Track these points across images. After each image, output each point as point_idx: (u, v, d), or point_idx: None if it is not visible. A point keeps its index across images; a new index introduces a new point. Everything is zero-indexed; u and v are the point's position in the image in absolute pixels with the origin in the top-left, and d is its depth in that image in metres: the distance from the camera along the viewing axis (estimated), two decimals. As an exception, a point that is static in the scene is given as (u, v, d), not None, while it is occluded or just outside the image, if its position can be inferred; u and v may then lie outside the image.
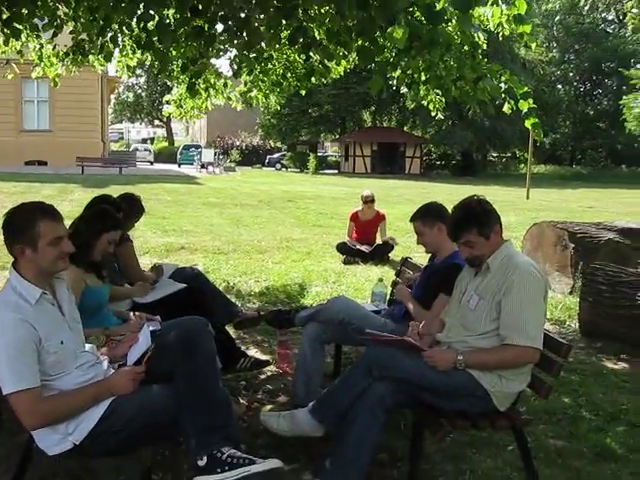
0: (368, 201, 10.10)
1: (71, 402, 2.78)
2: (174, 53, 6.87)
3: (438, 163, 55.85)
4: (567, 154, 61.06)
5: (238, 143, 58.66)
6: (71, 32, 6.74)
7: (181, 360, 2.92)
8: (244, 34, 5.16)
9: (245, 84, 8.36)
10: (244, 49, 5.86)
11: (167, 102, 9.08)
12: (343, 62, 7.50)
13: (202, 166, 41.89)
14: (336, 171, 51.46)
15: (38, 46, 7.51)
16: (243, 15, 5.10)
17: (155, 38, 4.94)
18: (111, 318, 3.87)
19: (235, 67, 7.26)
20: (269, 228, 13.62)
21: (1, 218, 2.93)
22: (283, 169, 51.43)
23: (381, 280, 4.82)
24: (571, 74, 58.46)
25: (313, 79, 7.90)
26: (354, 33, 4.86)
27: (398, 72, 6.65)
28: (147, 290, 4.55)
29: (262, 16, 4.93)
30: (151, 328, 3.74)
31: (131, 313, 4.01)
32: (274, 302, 7.18)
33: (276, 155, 55.66)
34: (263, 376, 5.06)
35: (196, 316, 3.86)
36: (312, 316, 4.15)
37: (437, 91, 6.91)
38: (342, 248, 10.00)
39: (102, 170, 32.88)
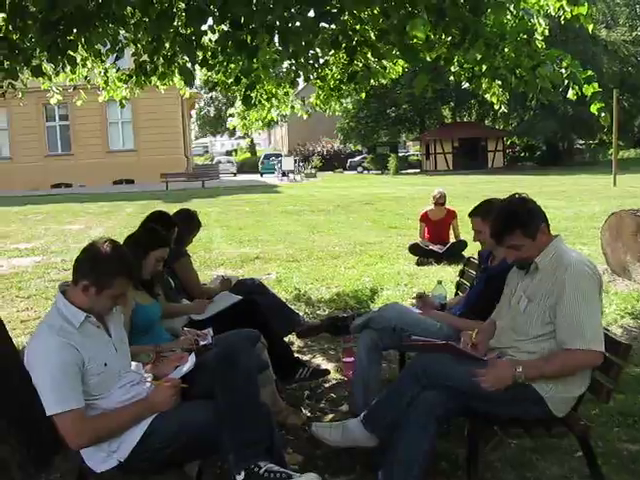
0: (439, 203, 9.93)
1: (113, 422, 2.83)
2: (233, 67, 6.91)
3: (522, 155, 54.43)
4: (659, 136, 58.25)
5: (319, 149, 58.97)
6: (133, 54, 6.89)
7: (220, 376, 2.93)
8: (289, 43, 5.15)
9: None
10: (292, 58, 5.85)
11: (231, 115, 9.18)
12: (400, 61, 7.39)
13: (283, 174, 42.31)
14: (418, 170, 50.98)
15: (103, 71, 7.73)
16: (289, 25, 5.10)
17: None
18: (164, 335, 3.91)
19: (292, 75, 7.29)
20: (344, 233, 13.59)
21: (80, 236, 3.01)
22: (365, 172, 51.32)
23: (440, 282, 4.68)
24: (659, 53, 55.76)
25: (372, 81, 7.84)
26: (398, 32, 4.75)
27: (455, 66, 6.52)
28: (204, 307, 4.56)
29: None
30: (202, 343, 3.77)
31: (185, 329, 4.03)
32: (344, 308, 7.12)
33: (357, 158, 55.60)
34: (327, 385, 5.02)
35: (248, 329, 3.88)
36: (366, 324, 4.06)
37: (498, 82, 6.71)
38: (414, 249, 9.85)
39: (186, 185, 33.69)
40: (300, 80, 7.40)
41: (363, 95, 8.28)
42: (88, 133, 36.07)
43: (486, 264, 4.15)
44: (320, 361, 5.54)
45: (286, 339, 5.76)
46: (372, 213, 17.56)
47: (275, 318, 5.03)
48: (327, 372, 4.91)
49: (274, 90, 8.24)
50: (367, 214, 17.32)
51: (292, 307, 7.16)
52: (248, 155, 68.91)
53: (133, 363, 3.16)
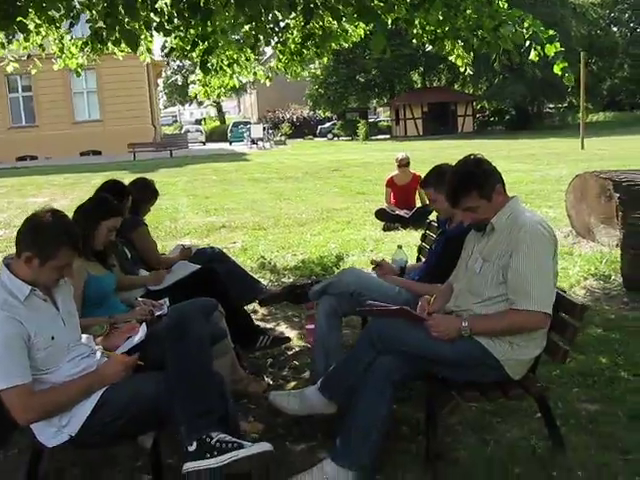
0: (402, 165, 9.86)
1: (62, 396, 2.76)
2: (192, 32, 6.74)
3: (492, 119, 54.48)
4: (627, 99, 58.60)
5: (289, 116, 58.46)
6: (88, 21, 6.68)
7: (170, 346, 2.86)
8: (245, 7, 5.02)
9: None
10: (249, 22, 5.72)
11: (192, 82, 9.00)
12: (361, 24, 7.27)
13: (252, 142, 41.91)
14: (388, 136, 50.86)
15: (58, 38, 7.50)
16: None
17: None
18: (119, 306, 3.82)
19: (252, 40, 7.12)
20: (311, 200, 13.51)
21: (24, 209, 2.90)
22: (335, 138, 51.07)
23: (400, 247, 4.64)
24: (626, 15, 55.96)
25: (334, 44, 7.72)
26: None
27: (417, 29, 6.43)
28: (162, 278, 4.46)
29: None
30: (157, 313, 3.71)
31: (139, 299, 3.95)
32: (309, 275, 7.07)
33: (327, 125, 55.23)
34: (291, 352, 4.99)
35: (205, 298, 3.81)
36: (324, 290, 4.01)
37: (461, 44, 6.62)
38: (381, 214, 9.81)
39: (154, 154, 33.24)
40: (262, 45, 7.26)
41: (325, 59, 8.17)
42: (52, 104, 35.32)
43: (444, 228, 4.11)
44: (283, 328, 5.51)
45: (249, 307, 5.72)
46: (340, 179, 17.49)
47: (236, 286, 4.96)
48: (288, 339, 4.87)
49: (235, 56, 8.08)
50: (335, 181, 17.25)
51: (257, 275, 7.12)
52: (217, 123, 68.07)
53: (84, 335, 3.09)
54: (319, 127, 55.62)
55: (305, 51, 7.74)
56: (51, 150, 34.83)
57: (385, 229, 9.52)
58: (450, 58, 7.10)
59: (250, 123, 50.25)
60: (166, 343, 2.86)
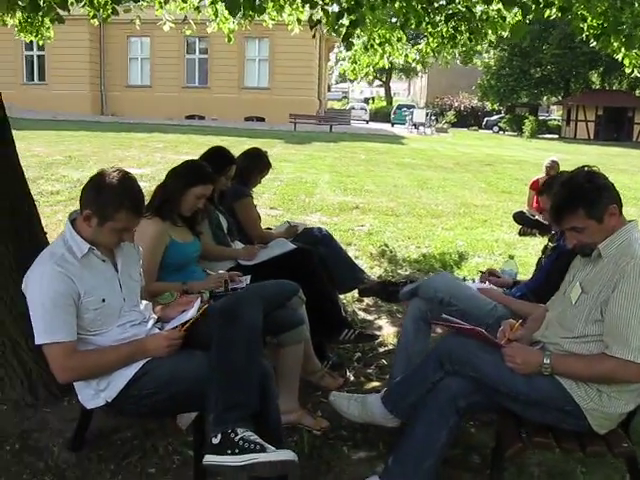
0: (550, 175, 9.18)
1: (103, 359, 2.69)
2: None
3: (676, 132, 50.26)
4: None
5: (456, 104, 57.16)
6: (243, -14, 6.64)
7: (219, 327, 2.70)
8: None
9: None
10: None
11: (342, 59, 8.84)
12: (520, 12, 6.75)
13: (414, 126, 41.42)
14: (556, 136, 48.39)
15: (213, 2, 7.57)
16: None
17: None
18: (199, 275, 3.71)
19: (402, 18, 6.82)
20: (453, 192, 12.99)
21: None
22: (500, 132, 49.31)
23: (512, 257, 4.23)
24: None
25: (490, 31, 7.24)
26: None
27: (578, 20, 5.86)
28: (253, 254, 4.31)
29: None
30: (233, 286, 3.59)
31: (221, 271, 3.82)
32: (426, 270, 6.74)
33: (494, 117, 53.35)
34: (383, 349, 4.73)
35: (288, 280, 3.64)
36: (415, 291, 3.69)
37: (623, 40, 5.96)
38: (519, 218, 9.19)
39: (314, 127, 33.59)
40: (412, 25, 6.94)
41: (479, 47, 7.68)
42: (225, 68, 36.47)
43: (559, 242, 3.67)
44: (383, 322, 5.28)
45: (355, 295, 5.51)
46: (490, 175, 16.74)
47: (337, 273, 4.76)
48: (375, 337, 4.59)
49: (388, 35, 7.82)
50: (484, 175, 16.53)
51: (373, 263, 6.93)
52: (383, 104, 67.81)
53: (143, 302, 2.99)
54: (485, 119, 53.94)
55: (458, 36, 7.32)
56: (218, 112, 36.09)
57: (521, 233, 8.93)
58: (617, 57, 6.45)
59: (414, 107, 49.62)
60: (215, 324, 2.70)
